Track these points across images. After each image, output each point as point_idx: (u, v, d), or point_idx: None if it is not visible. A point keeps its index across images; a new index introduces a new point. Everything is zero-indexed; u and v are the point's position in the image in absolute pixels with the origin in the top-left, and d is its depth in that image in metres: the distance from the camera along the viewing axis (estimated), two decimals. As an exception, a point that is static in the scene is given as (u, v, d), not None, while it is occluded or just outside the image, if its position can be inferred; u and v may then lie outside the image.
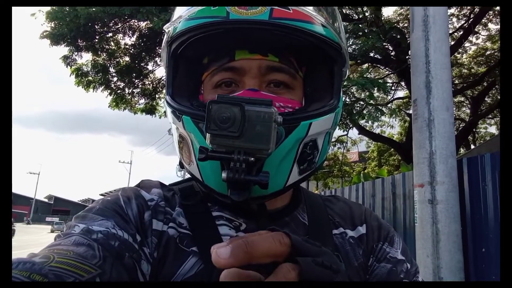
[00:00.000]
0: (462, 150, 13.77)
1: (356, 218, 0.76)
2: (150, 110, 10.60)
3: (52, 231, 40.31)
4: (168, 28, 0.68)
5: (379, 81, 7.83)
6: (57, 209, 69.44)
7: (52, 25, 7.79)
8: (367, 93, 6.66)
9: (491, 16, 10.55)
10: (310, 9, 0.66)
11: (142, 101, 10.63)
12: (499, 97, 12.02)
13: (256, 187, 0.54)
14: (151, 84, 10.48)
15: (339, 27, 0.72)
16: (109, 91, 9.74)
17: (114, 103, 10.03)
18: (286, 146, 0.61)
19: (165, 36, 0.69)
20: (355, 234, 0.74)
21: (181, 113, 0.64)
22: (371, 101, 7.96)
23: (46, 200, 72.54)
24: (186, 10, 0.67)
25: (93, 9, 7.18)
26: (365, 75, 7.07)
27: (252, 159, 0.53)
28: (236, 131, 0.50)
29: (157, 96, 10.65)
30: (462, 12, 10.75)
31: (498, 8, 9.76)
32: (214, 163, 0.59)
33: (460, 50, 11.36)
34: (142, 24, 8.74)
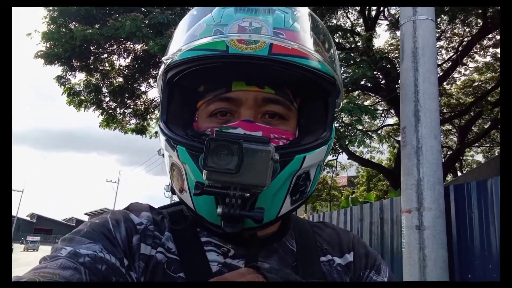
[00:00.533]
0: (449, 177, 13.95)
1: (344, 245, 0.77)
2: (141, 130, 10.57)
3: (26, 250, 39.24)
4: (166, 59, 0.68)
5: (369, 107, 7.99)
6: (39, 227, 67.66)
7: (48, 45, 7.84)
8: (356, 118, 6.78)
9: (478, 50, 10.93)
10: (308, 42, 0.68)
11: (133, 121, 10.61)
12: (485, 127, 12.33)
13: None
14: (143, 105, 10.51)
15: (334, 54, 0.74)
16: (100, 110, 9.73)
17: (105, 123, 10.00)
18: (281, 179, 0.62)
19: (162, 66, 0.70)
20: (342, 262, 0.74)
21: (176, 142, 0.64)
22: (359, 127, 8.10)
23: (28, 218, 70.72)
24: (184, 43, 0.66)
25: (89, 31, 7.25)
26: (354, 102, 7.22)
27: (248, 194, 0.54)
28: (233, 168, 0.52)
29: (148, 116, 10.67)
30: (451, 45, 11.13)
31: (485, 42, 10.15)
32: None
33: (448, 81, 11.69)
34: (138, 46, 8.84)
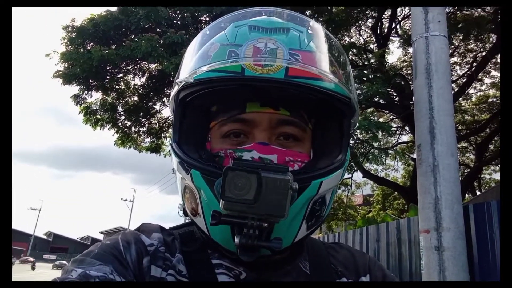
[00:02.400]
0: (467, 196, 13.61)
1: (360, 267, 0.75)
2: (155, 148, 10.70)
3: (55, 268, 39.47)
4: (181, 81, 0.67)
5: (384, 123, 7.92)
6: (55, 246, 68.22)
7: (66, 65, 8.06)
8: (371, 135, 6.71)
9: (493, 64, 10.81)
10: (323, 62, 0.67)
11: (148, 139, 10.75)
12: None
13: None
14: (157, 124, 10.65)
15: (349, 71, 0.73)
16: (116, 129, 9.89)
17: (120, 141, 10.15)
18: (297, 206, 0.61)
19: (176, 87, 0.69)
20: None
21: (190, 166, 0.63)
22: (375, 143, 8.02)
23: (45, 237, 71.41)
24: (198, 64, 0.66)
25: (106, 51, 7.44)
26: (369, 118, 7.17)
27: (266, 224, 0.53)
28: (251, 198, 0.51)
29: (162, 135, 10.79)
30: (464, 61, 11.05)
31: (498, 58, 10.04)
32: None
33: (464, 97, 11.55)
34: (152, 66, 9.02)
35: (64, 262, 44.53)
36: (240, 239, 0.53)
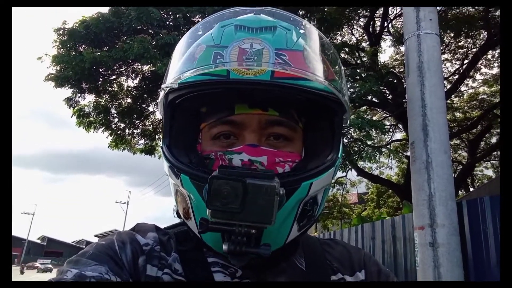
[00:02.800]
0: (460, 193, 13.73)
1: (355, 263, 0.75)
2: (149, 150, 10.65)
3: (40, 271, 39.15)
4: (166, 87, 0.67)
5: (377, 122, 7.96)
6: (49, 250, 67.62)
7: (58, 68, 8.00)
8: (364, 133, 6.74)
9: (484, 61, 10.92)
10: (311, 61, 0.66)
11: (142, 141, 10.70)
12: (492, 141, 12.19)
13: None
14: (151, 125, 10.60)
15: (339, 70, 0.72)
16: (109, 131, 9.83)
17: (114, 144, 10.09)
18: (287, 208, 0.60)
19: (162, 92, 0.69)
20: (353, 280, 0.72)
21: (180, 171, 0.62)
22: (369, 141, 8.06)
23: (39, 241, 70.78)
24: (183, 67, 0.66)
25: (98, 53, 7.39)
26: (362, 116, 7.20)
27: (253, 231, 0.53)
28: (237, 206, 0.51)
29: (157, 137, 10.75)
30: (455, 57, 11.14)
31: (489, 55, 10.14)
32: None
33: (455, 94, 11.64)
34: (145, 67, 8.98)
35: (50, 265, 44.16)
36: (229, 246, 0.53)
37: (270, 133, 0.66)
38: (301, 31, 0.70)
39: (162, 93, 0.69)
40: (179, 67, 0.67)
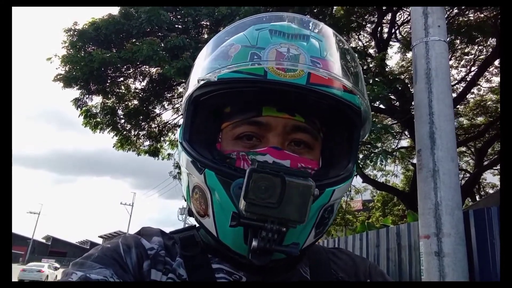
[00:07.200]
0: (467, 202, 13.59)
1: (360, 273, 0.75)
2: (154, 152, 10.70)
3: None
4: (203, 79, 0.66)
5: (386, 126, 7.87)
6: (54, 250, 67.90)
7: (67, 68, 8.07)
8: (373, 137, 6.66)
9: (492, 69, 10.83)
10: (342, 72, 0.67)
11: (147, 143, 10.76)
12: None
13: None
14: (157, 127, 10.66)
15: (362, 80, 0.73)
16: (115, 132, 9.89)
17: (119, 144, 10.15)
18: (311, 212, 0.60)
19: (193, 85, 0.67)
20: None
21: (204, 166, 0.62)
22: (378, 144, 7.95)
23: (43, 240, 71.07)
24: (219, 63, 0.65)
25: (108, 54, 7.45)
26: (373, 121, 7.11)
27: (284, 229, 0.53)
28: (274, 201, 0.51)
29: (162, 139, 10.79)
30: (461, 63, 11.06)
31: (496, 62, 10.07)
32: None
33: (461, 102, 11.56)
34: (153, 70, 9.04)
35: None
36: (258, 242, 0.52)
37: (293, 138, 0.67)
38: (330, 40, 0.72)
39: (194, 86, 0.67)
40: (213, 63, 0.67)
